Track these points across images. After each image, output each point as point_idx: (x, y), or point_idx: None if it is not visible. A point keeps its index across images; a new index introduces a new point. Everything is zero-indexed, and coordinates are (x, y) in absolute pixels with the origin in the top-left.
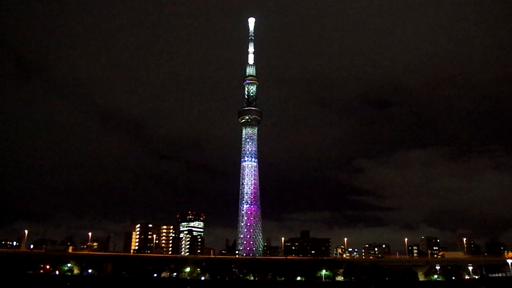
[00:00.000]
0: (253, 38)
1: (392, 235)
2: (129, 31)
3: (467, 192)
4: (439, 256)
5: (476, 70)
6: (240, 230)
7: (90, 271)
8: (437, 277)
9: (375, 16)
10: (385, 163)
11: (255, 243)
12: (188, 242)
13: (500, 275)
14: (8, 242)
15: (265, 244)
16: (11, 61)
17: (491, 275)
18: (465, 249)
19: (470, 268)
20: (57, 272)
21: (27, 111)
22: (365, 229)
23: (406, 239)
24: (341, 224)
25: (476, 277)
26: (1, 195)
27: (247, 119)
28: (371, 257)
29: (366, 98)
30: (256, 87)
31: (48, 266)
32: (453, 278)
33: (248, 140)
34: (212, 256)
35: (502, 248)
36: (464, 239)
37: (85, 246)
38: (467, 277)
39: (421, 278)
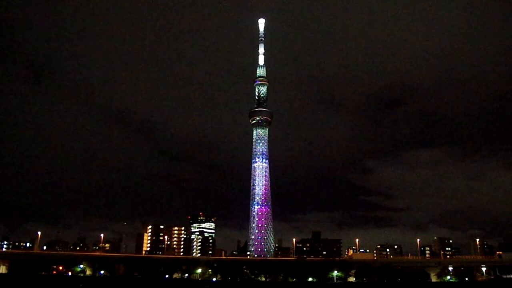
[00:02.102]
0: (263, 39)
1: (402, 236)
2: (138, 34)
3: (478, 192)
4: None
5: (486, 69)
6: (251, 231)
7: (102, 272)
8: (450, 278)
9: (385, 17)
10: (394, 163)
11: (266, 244)
12: (200, 243)
13: None
14: (21, 244)
15: (276, 245)
16: (23, 64)
17: (505, 276)
18: (478, 250)
19: (484, 269)
20: (69, 273)
21: (39, 113)
22: (376, 229)
23: (418, 240)
24: (351, 225)
25: (491, 277)
26: (14, 197)
27: (258, 120)
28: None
29: (375, 98)
30: (267, 88)
31: (61, 267)
32: (466, 279)
33: (259, 141)
34: (224, 257)
35: None
36: (477, 239)
37: (97, 247)
38: (480, 278)
39: (434, 279)
